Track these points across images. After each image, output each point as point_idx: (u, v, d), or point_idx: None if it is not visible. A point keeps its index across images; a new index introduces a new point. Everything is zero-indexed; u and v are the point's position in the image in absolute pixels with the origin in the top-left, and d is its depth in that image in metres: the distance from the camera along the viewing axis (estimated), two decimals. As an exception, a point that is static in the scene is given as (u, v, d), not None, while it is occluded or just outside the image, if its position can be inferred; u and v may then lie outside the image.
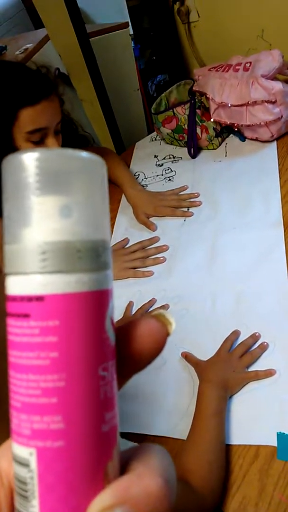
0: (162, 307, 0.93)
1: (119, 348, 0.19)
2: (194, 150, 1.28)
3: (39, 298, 0.17)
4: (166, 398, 0.79)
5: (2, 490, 0.19)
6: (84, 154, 0.18)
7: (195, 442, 0.68)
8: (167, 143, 1.39)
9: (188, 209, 1.14)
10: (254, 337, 0.81)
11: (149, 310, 0.94)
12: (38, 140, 0.99)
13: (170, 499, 0.17)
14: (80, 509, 0.17)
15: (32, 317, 0.17)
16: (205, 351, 0.81)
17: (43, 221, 0.17)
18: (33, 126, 0.96)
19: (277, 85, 1.10)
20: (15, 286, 0.17)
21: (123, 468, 0.18)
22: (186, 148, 1.30)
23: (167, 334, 0.20)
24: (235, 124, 1.20)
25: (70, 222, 0.17)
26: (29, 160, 0.17)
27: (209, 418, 0.70)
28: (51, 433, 0.17)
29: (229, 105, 1.16)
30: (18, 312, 0.17)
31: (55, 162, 0.17)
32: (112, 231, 1.18)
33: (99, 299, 0.18)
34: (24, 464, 0.17)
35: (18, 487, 0.18)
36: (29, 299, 0.17)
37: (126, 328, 0.20)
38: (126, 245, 1.12)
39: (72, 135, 1.27)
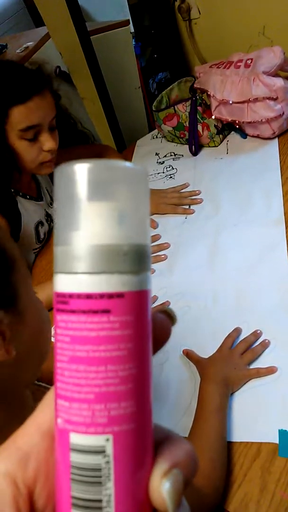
0: (163, 304, 0.93)
1: None
2: (196, 147, 1.27)
3: (120, 295, 0.19)
4: (167, 396, 0.79)
5: (20, 498, 0.19)
6: (130, 164, 0.20)
7: (197, 439, 0.68)
8: (168, 141, 1.39)
9: (189, 207, 1.14)
10: (256, 334, 0.81)
11: (152, 306, 0.94)
12: (32, 137, 0.99)
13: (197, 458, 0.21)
14: (145, 480, 0.19)
15: (113, 312, 0.19)
16: (207, 349, 0.81)
17: (126, 227, 0.19)
18: (26, 123, 0.96)
19: (279, 82, 1.10)
20: (92, 284, 0.19)
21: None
22: (187, 146, 1.30)
23: (172, 325, 0.23)
24: (237, 121, 1.20)
25: (141, 228, 0.20)
26: (84, 170, 0.19)
27: (211, 415, 0.70)
28: (127, 417, 0.19)
29: (230, 102, 1.16)
30: (96, 309, 0.19)
31: (107, 172, 0.19)
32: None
33: (149, 295, 0.20)
34: (99, 451, 0.19)
35: (84, 476, 0.19)
36: (110, 296, 0.19)
37: None
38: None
39: (70, 131, 1.26)
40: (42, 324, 0.51)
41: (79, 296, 0.19)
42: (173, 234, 1.09)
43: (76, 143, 1.31)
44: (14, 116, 0.95)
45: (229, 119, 1.20)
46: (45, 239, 1.24)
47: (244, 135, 1.26)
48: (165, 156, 1.35)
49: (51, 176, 1.29)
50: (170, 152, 1.35)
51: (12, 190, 1.11)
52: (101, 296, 0.19)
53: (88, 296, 0.19)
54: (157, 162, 1.34)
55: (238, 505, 0.64)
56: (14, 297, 0.45)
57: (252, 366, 0.77)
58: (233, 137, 1.29)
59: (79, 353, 0.19)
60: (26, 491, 0.19)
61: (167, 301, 0.94)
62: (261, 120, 1.14)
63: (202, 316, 0.88)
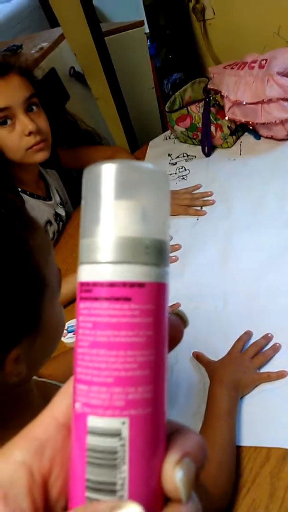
0: (173, 306, 0.93)
1: None
2: (208, 148, 1.27)
3: (141, 285, 0.20)
4: (177, 398, 0.79)
5: (35, 487, 0.20)
6: (153, 167, 0.21)
7: (207, 441, 0.67)
8: (181, 142, 1.39)
9: (201, 208, 1.13)
10: (267, 338, 0.80)
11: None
12: (2, 120, 0.97)
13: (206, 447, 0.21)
14: (158, 466, 0.20)
15: (133, 300, 0.20)
16: (217, 351, 0.81)
17: (148, 222, 0.21)
18: None
19: (293, 83, 1.08)
20: (115, 273, 0.20)
21: None
22: (200, 147, 1.29)
23: (184, 327, 0.24)
24: (250, 122, 1.19)
25: (161, 225, 0.21)
26: (111, 170, 0.20)
27: (220, 418, 0.69)
28: (143, 402, 0.19)
29: (244, 103, 1.15)
30: (118, 296, 0.20)
31: (133, 172, 0.21)
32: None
33: (167, 289, 0.21)
34: (115, 434, 0.19)
35: (100, 458, 0.19)
36: (132, 285, 0.20)
37: None
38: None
39: (72, 130, 1.25)
40: (57, 329, 0.51)
41: (102, 284, 0.20)
42: (185, 236, 1.09)
43: (78, 142, 1.31)
44: None
45: (243, 120, 1.19)
46: (54, 238, 1.24)
47: (257, 136, 1.25)
48: (177, 157, 1.34)
49: (60, 175, 1.29)
50: (183, 153, 1.34)
51: (19, 190, 1.11)
52: (124, 284, 0.20)
53: (111, 284, 0.20)
54: (169, 163, 1.33)
55: (246, 510, 0.63)
56: (37, 320, 0.46)
57: (262, 370, 0.76)
58: (247, 138, 1.28)
59: (100, 338, 0.20)
60: (41, 481, 0.20)
61: (178, 302, 0.93)
62: (275, 121, 1.13)
63: (213, 318, 0.88)
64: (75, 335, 0.21)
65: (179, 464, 0.20)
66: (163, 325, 0.21)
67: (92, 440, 0.19)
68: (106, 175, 0.20)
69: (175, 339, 0.23)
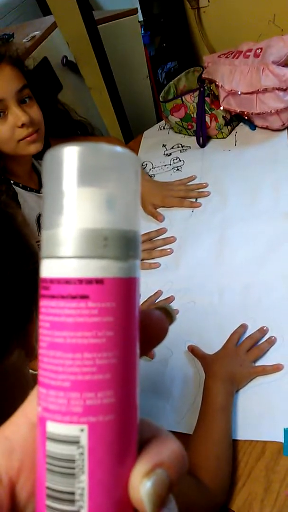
0: (167, 299, 0.92)
1: None
2: (203, 139, 1.25)
3: (99, 281, 0.18)
4: (172, 392, 0.78)
5: (1, 489, 0.19)
6: (120, 149, 0.19)
7: (203, 437, 0.67)
8: (176, 132, 1.37)
9: (196, 200, 1.12)
10: (262, 331, 0.80)
11: (156, 302, 0.93)
12: None
13: (186, 457, 0.20)
14: (123, 478, 0.19)
15: (91, 298, 0.18)
16: (212, 345, 0.80)
17: (98, 210, 0.19)
18: None
19: (289, 72, 1.07)
20: (71, 269, 0.18)
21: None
22: (195, 137, 1.28)
23: (170, 323, 0.23)
24: (245, 112, 1.17)
25: (122, 213, 0.19)
26: (72, 153, 0.19)
27: (216, 413, 0.69)
28: (103, 408, 0.18)
29: (239, 92, 1.13)
30: (74, 294, 0.18)
31: (96, 156, 0.19)
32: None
33: (137, 284, 0.20)
34: (73, 442, 0.18)
35: (58, 466, 0.18)
36: (89, 281, 0.18)
37: (141, 315, 0.21)
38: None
39: (64, 120, 1.23)
40: None
41: (59, 281, 0.19)
42: (180, 228, 1.08)
43: (72, 133, 1.29)
44: None
45: (238, 110, 1.18)
46: None
47: (253, 126, 1.23)
48: (172, 147, 1.33)
49: None
50: (178, 144, 1.33)
51: (12, 182, 1.09)
52: (80, 281, 0.18)
53: (67, 281, 0.18)
54: (164, 154, 1.32)
55: (242, 504, 0.63)
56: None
57: (258, 363, 0.76)
58: (242, 128, 1.27)
59: (57, 339, 0.18)
60: (8, 482, 0.19)
61: (172, 296, 0.93)
62: (270, 111, 1.11)
63: (208, 311, 0.87)
64: None
65: (148, 475, 0.18)
66: (129, 324, 0.19)
67: (51, 447, 0.18)
68: (67, 158, 0.19)
69: (157, 336, 0.22)
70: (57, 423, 0.18)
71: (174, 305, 0.91)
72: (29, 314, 0.44)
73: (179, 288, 0.94)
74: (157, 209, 1.14)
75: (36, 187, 1.18)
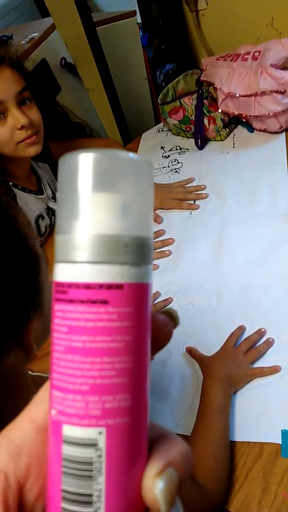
0: (166, 300, 0.93)
1: None
2: (201, 141, 1.26)
3: (119, 286, 0.19)
4: (170, 393, 0.79)
5: (10, 492, 0.19)
6: (134, 156, 0.20)
7: (200, 439, 0.68)
8: (174, 134, 1.38)
9: (194, 202, 1.13)
10: (260, 333, 0.80)
11: (154, 303, 0.93)
12: None
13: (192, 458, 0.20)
14: (138, 478, 0.19)
15: (111, 303, 0.18)
16: (210, 346, 0.80)
17: (128, 218, 0.19)
18: None
19: (287, 75, 1.07)
20: (92, 274, 0.19)
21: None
22: (193, 139, 1.28)
23: (174, 327, 0.23)
24: (243, 115, 1.18)
25: (144, 221, 0.20)
26: (88, 160, 0.19)
27: (213, 414, 0.69)
28: (121, 411, 0.18)
29: (237, 95, 1.14)
30: (94, 299, 0.18)
31: (112, 162, 0.19)
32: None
33: (149, 289, 0.20)
34: (91, 444, 0.18)
35: (76, 469, 0.18)
36: (109, 286, 0.18)
37: None
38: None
39: (63, 122, 1.24)
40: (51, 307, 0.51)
41: (77, 285, 0.19)
42: (178, 230, 1.08)
43: (71, 135, 1.29)
44: None
45: (236, 113, 1.18)
46: (46, 233, 1.23)
47: (251, 129, 1.24)
48: (170, 150, 1.33)
49: (52, 169, 1.28)
50: (176, 146, 1.33)
51: (11, 184, 1.10)
52: (100, 286, 0.18)
53: (87, 286, 0.19)
54: (162, 156, 1.32)
55: (239, 506, 0.63)
56: (38, 294, 0.47)
57: (255, 365, 0.77)
58: (240, 131, 1.28)
59: (75, 344, 0.19)
60: (16, 486, 0.19)
61: (170, 297, 0.93)
62: (269, 114, 1.12)
63: (206, 313, 0.88)
64: None
65: (160, 474, 0.19)
66: (144, 329, 0.20)
67: (67, 450, 0.19)
68: (83, 165, 0.19)
69: (162, 340, 0.22)
70: (75, 427, 0.18)
71: (172, 306, 0.92)
72: (27, 314, 0.44)
73: (178, 289, 0.94)
74: (156, 211, 1.15)
75: (35, 188, 1.18)
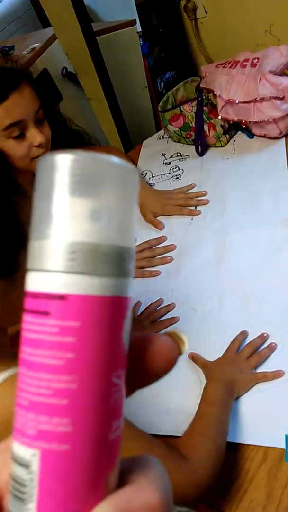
0: (168, 306, 0.93)
1: (131, 361, 0.19)
2: (202, 147, 1.26)
3: (62, 297, 0.17)
4: (173, 399, 0.79)
5: None
6: (117, 160, 0.18)
7: (192, 423, 0.68)
8: (175, 141, 1.38)
9: (195, 208, 1.13)
10: (262, 338, 0.80)
11: (157, 309, 0.94)
12: (18, 133, 0.96)
13: None
14: None
15: (52, 315, 0.17)
16: (213, 352, 0.81)
17: (74, 222, 0.17)
18: (8, 121, 0.93)
19: (285, 81, 1.08)
20: (37, 282, 0.17)
21: (121, 478, 0.18)
22: (193, 146, 1.29)
23: (179, 354, 0.20)
24: (243, 121, 1.19)
25: (100, 226, 0.17)
26: (65, 161, 0.17)
27: (209, 406, 0.69)
28: (57, 436, 0.16)
29: (237, 101, 1.15)
30: (37, 309, 0.17)
31: (90, 165, 0.18)
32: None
33: (119, 305, 0.18)
34: (25, 465, 0.17)
35: (14, 488, 0.17)
36: (52, 297, 0.17)
37: (140, 341, 0.20)
38: (133, 244, 1.12)
39: (61, 130, 1.25)
40: None
41: (29, 294, 0.18)
42: (179, 236, 1.08)
43: (68, 143, 1.30)
44: None
45: (236, 119, 1.19)
46: None
47: (250, 135, 1.25)
48: (171, 156, 1.34)
49: None
50: (177, 153, 1.34)
51: None
52: (44, 296, 0.17)
53: (35, 295, 0.17)
54: (163, 163, 1.33)
55: (244, 511, 0.63)
56: (15, 268, 0.51)
57: (259, 370, 0.77)
58: (240, 137, 1.28)
59: (23, 355, 0.17)
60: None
61: (173, 303, 0.93)
62: (268, 119, 1.12)
63: (208, 318, 0.88)
64: None
65: None
66: (101, 348, 0.17)
67: (13, 466, 0.17)
68: (63, 166, 0.17)
69: (162, 367, 0.20)
70: (17, 443, 0.17)
71: (174, 312, 0.92)
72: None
73: (180, 295, 0.95)
74: (157, 217, 1.15)
75: None
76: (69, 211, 0.17)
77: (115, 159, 0.18)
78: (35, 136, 0.99)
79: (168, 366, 0.20)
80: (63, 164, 0.17)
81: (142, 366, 0.20)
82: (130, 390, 0.20)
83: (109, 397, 0.17)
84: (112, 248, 0.18)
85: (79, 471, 0.17)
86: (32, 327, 0.17)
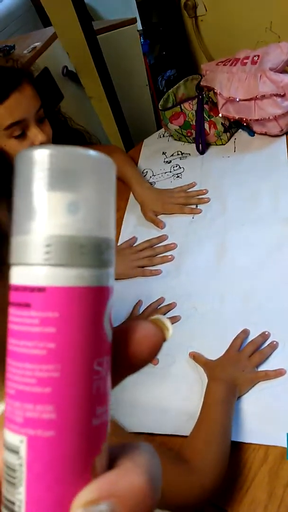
0: (169, 305, 0.93)
1: (116, 349, 0.20)
2: (203, 146, 1.26)
3: (41, 289, 0.17)
4: (175, 398, 0.79)
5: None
6: (93, 153, 0.19)
7: (196, 425, 0.68)
8: (175, 140, 1.38)
9: (196, 206, 1.13)
10: (264, 336, 0.80)
11: (158, 308, 0.94)
12: (20, 133, 0.97)
13: (154, 496, 0.17)
14: (65, 499, 0.17)
15: (33, 307, 0.17)
16: (214, 350, 0.80)
17: (50, 215, 0.18)
18: (10, 120, 0.94)
19: (286, 78, 1.08)
20: (18, 276, 0.18)
21: (111, 464, 0.19)
22: (194, 144, 1.29)
23: (163, 340, 0.20)
24: (244, 119, 1.18)
25: (76, 218, 0.18)
26: (41, 156, 0.18)
27: (212, 405, 0.70)
28: (42, 422, 0.17)
29: (237, 99, 1.14)
30: (19, 302, 0.18)
31: (65, 159, 0.18)
32: (120, 229, 1.17)
33: (98, 295, 0.18)
34: (14, 451, 0.18)
35: (6, 473, 0.18)
36: (31, 289, 0.18)
37: (124, 329, 0.20)
38: (134, 243, 1.12)
39: (62, 129, 1.25)
40: None
41: (12, 287, 0.18)
42: (180, 234, 1.08)
43: (69, 142, 1.30)
44: None
45: (236, 117, 1.19)
46: None
47: (251, 132, 1.24)
48: (172, 155, 1.34)
49: None
50: (177, 151, 1.34)
51: None
52: (24, 289, 0.18)
53: (16, 288, 0.18)
54: (164, 161, 1.33)
55: (245, 510, 0.63)
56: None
57: (260, 368, 0.76)
58: (241, 135, 1.28)
59: (9, 346, 0.18)
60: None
61: (174, 302, 0.93)
62: (269, 117, 1.12)
63: (209, 317, 0.88)
64: None
65: (88, 504, 0.16)
66: (82, 337, 0.18)
67: (5, 453, 0.18)
68: (38, 161, 0.18)
69: (146, 353, 0.20)
70: (7, 430, 0.18)
71: (175, 311, 0.92)
72: None
73: (181, 294, 0.94)
74: (158, 216, 1.15)
75: None
76: (46, 205, 0.18)
77: (90, 152, 0.18)
78: (37, 135, 0.99)
79: (153, 352, 0.20)
80: (39, 158, 0.18)
81: (127, 354, 0.20)
82: (119, 377, 0.21)
83: (91, 384, 0.18)
84: (89, 239, 0.18)
85: (64, 455, 0.17)
86: (16, 319, 0.18)
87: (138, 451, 0.19)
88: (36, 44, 1.73)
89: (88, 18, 1.44)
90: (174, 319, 0.90)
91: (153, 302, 0.95)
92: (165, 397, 0.79)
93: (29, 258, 0.18)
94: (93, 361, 0.18)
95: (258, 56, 1.13)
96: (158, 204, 1.15)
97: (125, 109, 1.64)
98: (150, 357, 0.20)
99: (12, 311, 0.18)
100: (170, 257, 1.04)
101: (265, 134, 1.20)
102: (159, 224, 1.13)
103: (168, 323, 0.21)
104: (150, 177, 1.30)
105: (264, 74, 1.09)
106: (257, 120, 1.15)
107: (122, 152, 1.38)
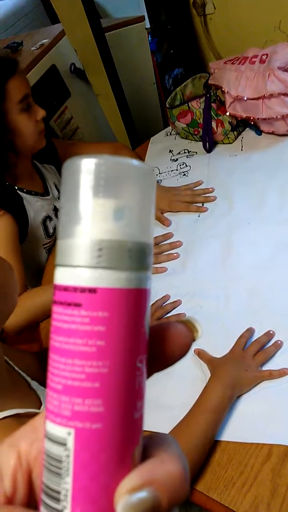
0: (174, 303, 0.93)
1: (150, 346, 0.21)
2: (210, 144, 1.26)
3: (92, 290, 0.19)
4: (179, 395, 0.79)
5: (20, 471, 0.20)
6: (136, 162, 0.20)
7: (179, 427, 0.69)
8: (182, 138, 1.38)
9: (202, 205, 1.13)
10: (268, 335, 0.80)
11: (162, 305, 0.94)
12: (26, 107, 1.05)
13: (188, 483, 0.19)
14: (109, 488, 0.19)
15: (83, 306, 0.19)
16: (219, 349, 0.80)
17: (100, 221, 0.19)
18: (21, 93, 1.03)
19: (294, 77, 1.08)
20: (67, 277, 0.19)
21: (143, 454, 0.20)
22: (201, 143, 1.28)
23: (193, 340, 0.22)
24: (251, 118, 1.18)
25: (122, 224, 0.19)
26: (90, 165, 0.19)
27: (202, 413, 0.69)
28: (90, 415, 0.18)
29: (245, 98, 1.14)
30: (69, 301, 0.19)
31: (112, 168, 0.19)
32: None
33: (141, 296, 0.20)
34: (61, 443, 0.19)
35: (50, 464, 0.19)
36: (82, 290, 0.19)
37: (158, 328, 0.22)
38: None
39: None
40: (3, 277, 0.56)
41: (59, 288, 0.19)
42: (186, 232, 1.08)
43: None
44: (11, 89, 1.01)
45: (244, 116, 1.19)
46: (54, 234, 1.24)
47: (259, 131, 1.24)
48: (178, 153, 1.34)
49: (58, 170, 1.30)
50: (184, 149, 1.34)
51: (16, 188, 1.12)
52: (75, 289, 0.19)
53: (65, 289, 0.19)
54: (170, 160, 1.33)
55: (248, 508, 0.63)
56: None
57: (264, 367, 0.76)
58: (248, 133, 1.28)
59: (55, 343, 0.19)
60: (26, 466, 0.20)
61: (179, 300, 0.93)
62: (276, 116, 1.12)
63: (214, 315, 0.88)
64: None
65: (132, 491, 0.18)
66: (127, 336, 0.19)
67: (47, 445, 0.19)
68: (89, 169, 0.19)
69: (177, 352, 0.21)
70: (51, 423, 0.19)
71: (180, 309, 0.92)
72: None
73: (186, 292, 0.94)
74: (164, 214, 1.15)
75: (41, 190, 1.20)
76: (95, 211, 0.19)
77: (134, 162, 0.20)
78: (39, 110, 1.08)
79: (183, 351, 0.22)
80: (88, 167, 0.19)
81: (160, 352, 0.21)
82: (149, 373, 0.22)
83: (134, 380, 0.19)
84: (135, 244, 0.19)
85: (110, 446, 0.19)
86: (63, 317, 0.19)
87: (168, 442, 0.21)
88: (44, 41, 1.73)
89: (97, 16, 1.44)
90: (178, 317, 0.90)
91: (158, 299, 0.95)
92: (167, 395, 0.79)
93: (79, 260, 0.19)
94: (136, 358, 0.19)
95: (267, 55, 1.13)
96: (164, 202, 1.15)
97: (132, 106, 1.65)
98: (180, 356, 0.22)
99: (59, 309, 0.19)
100: (175, 255, 1.04)
101: (273, 133, 1.20)
102: (165, 222, 1.13)
103: (197, 324, 0.23)
104: (157, 174, 1.30)
105: (272, 73, 1.09)
106: (264, 119, 1.15)
107: (129, 149, 1.39)
